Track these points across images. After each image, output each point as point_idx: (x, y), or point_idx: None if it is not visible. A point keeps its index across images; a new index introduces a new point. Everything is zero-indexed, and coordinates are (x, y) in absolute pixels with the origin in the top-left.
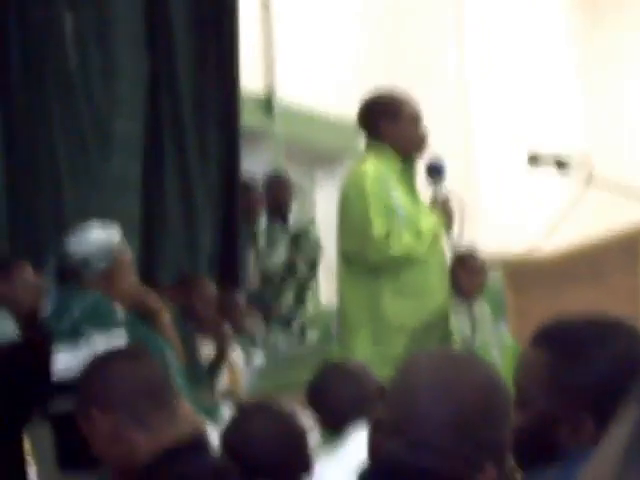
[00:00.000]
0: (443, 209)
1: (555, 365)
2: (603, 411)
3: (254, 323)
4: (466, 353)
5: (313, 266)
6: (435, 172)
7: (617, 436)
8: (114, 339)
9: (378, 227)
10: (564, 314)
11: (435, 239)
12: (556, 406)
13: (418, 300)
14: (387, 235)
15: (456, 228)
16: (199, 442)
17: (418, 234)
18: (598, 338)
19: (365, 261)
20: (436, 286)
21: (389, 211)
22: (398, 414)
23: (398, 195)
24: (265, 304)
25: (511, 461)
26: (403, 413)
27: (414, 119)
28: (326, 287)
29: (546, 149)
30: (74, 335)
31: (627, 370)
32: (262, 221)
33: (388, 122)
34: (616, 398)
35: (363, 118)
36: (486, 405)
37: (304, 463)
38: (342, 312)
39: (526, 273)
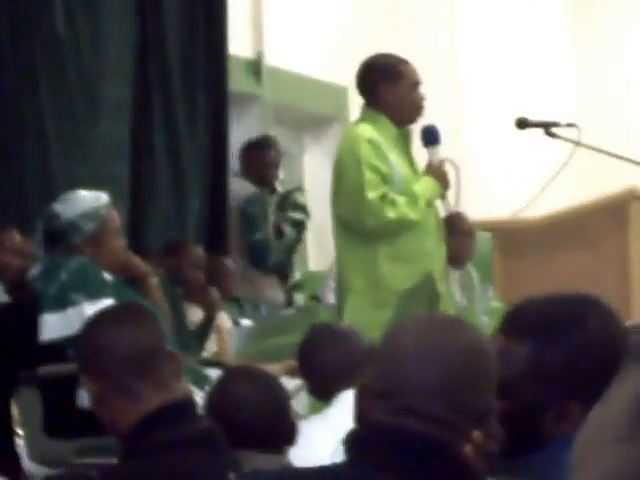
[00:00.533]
0: (438, 174)
1: (535, 354)
2: (589, 394)
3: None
4: (453, 317)
5: (300, 230)
6: (430, 137)
7: (621, 395)
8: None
9: (372, 191)
10: (528, 297)
11: (430, 204)
12: (541, 395)
13: (415, 265)
14: (382, 199)
15: (451, 193)
16: (185, 407)
17: (413, 199)
18: (573, 318)
19: (361, 225)
20: (433, 251)
21: (384, 176)
22: (385, 379)
23: (393, 160)
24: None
25: (497, 427)
26: (390, 378)
27: (413, 83)
28: (315, 252)
29: (536, 116)
30: (62, 300)
31: (606, 346)
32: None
33: (387, 86)
34: (601, 377)
35: (362, 82)
36: (473, 369)
37: (288, 428)
38: (340, 277)
39: (515, 237)
